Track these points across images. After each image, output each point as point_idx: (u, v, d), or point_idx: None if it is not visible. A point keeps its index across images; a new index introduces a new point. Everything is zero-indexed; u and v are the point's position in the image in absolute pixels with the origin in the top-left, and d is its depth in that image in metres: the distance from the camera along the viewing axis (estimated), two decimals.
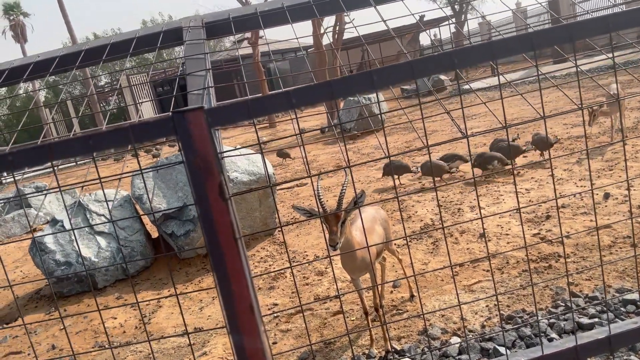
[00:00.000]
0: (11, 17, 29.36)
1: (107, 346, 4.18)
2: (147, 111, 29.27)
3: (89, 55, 2.76)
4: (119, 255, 5.38)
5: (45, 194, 9.91)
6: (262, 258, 5.41)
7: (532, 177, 6.17)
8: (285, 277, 4.81)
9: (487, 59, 1.79)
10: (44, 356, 4.24)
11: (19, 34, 29.49)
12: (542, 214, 4.89)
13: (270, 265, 5.17)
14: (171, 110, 1.78)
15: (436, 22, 29.22)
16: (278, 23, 2.85)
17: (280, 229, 6.05)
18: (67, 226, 5.46)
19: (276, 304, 4.28)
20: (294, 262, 5.07)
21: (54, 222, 5.56)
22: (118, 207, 5.72)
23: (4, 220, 9.22)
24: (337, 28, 16.45)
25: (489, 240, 4.58)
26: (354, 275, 3.12)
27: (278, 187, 8.63)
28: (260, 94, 23.12)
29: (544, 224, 4.67)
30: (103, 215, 5.62)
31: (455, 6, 26.93)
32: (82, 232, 5.44)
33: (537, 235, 4.45)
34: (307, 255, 5.23)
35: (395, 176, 7.08)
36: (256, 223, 5.76)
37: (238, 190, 5.39)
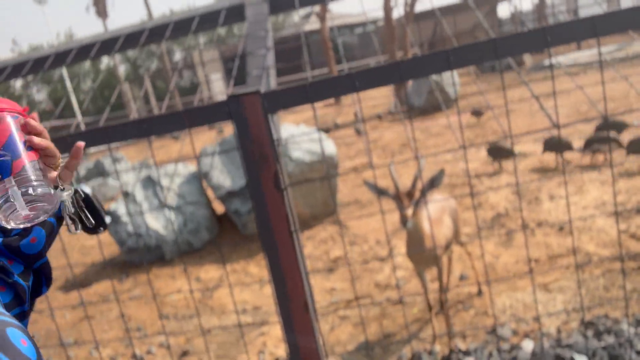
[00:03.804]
0: None
1: (170, 317, 4.32)
2: (218, 85, 29.99)
3: (153, 34, 2.72)
4: (186, 229, 5.52)
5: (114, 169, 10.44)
6: (322, 240, 5.33)
7: (620, 163, 5.58)
8: (345, 260, 4.70)
9: (587, 36, 1.51)
10: (114, 322, 4.47)
11: (101, 10, 31.02)
12: (632, 207, 4.40)
13: (330, 248, 5.08)
14: (227, 94, 1.68)
15: None
16: None
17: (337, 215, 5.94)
18: (139, 199, 5.67)
19: (334, 289, 4.20)
20: (354, 245, 4.95)
21: (126, 194, 5.80)
22: (185, 183, 5.85)
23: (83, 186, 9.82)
24: (409, 0, 15.76)
25: (569, 235, 4.19)
26: (419, 267, 2.95)
27: (341, 166, 8.50)
28: (326, 71, 22.91)
29: (633, 219, 4.20)
30: (172, 189, 5.78)
31: None
32: (152, 205, 5.63)
33: (625, 232, 4.01)
34: (368, 239, 5.08)
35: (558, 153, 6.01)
36: (317, 202, 5.68)
37: (300, 171, 5.31)
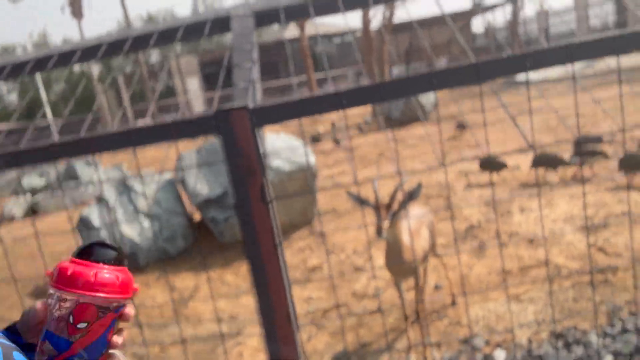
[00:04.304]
0: None
1: (142, 326, 4.25)
2: (194, 89, 29.74)
3: (138, 41, 2.72)
4: (162, 237, 5.46)
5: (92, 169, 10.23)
6: (299, 248, 5.35)
7: (590, 177, 5.79)
8: (322, 270, 4.73)
9: (564, 62, 1.60)
10: None
11: (77, 11, 30.46)
12: (600, 221, 4.58)
13: (307, 257, 5.11)
14: (214, 109, 1.69)
15: (490, 8, 28.00)
16: (329, 12, 2.72)
17: (319, 220, 5.98)
18: (113, 205, 5.58)
19: (312, 298, 4.22)
20: (331, 254, 4.99)
21: (99, 200, 5.70)
22: (162, 190, 5.79)
23: (55, 192, 9.60)
24: (387, 12, 16.02)
25: (540, 247, 4.33)
26: (397, 278, 3.00)
27: (319, 174, 8.55)
28: (304, 78, 22.99)
29: (601, 233, 4.37)
30: (147, 195, 5.72)
31: None
32: (126, 212, 5.55)
33: (593, 245, 4.17)
34: (345, 248, 5.13)
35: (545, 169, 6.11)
36: (295, 212, 5.70)
37: (279, 180, 5.33)
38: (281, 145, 5.58)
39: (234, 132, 1.67)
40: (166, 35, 2.60)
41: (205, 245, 5.75)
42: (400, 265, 2.82)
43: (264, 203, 1.73)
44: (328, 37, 33.34)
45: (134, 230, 5.38)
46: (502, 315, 3.47)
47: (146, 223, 5.47)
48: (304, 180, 5.60)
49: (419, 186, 2.58)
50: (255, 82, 2.14)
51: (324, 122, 16.40)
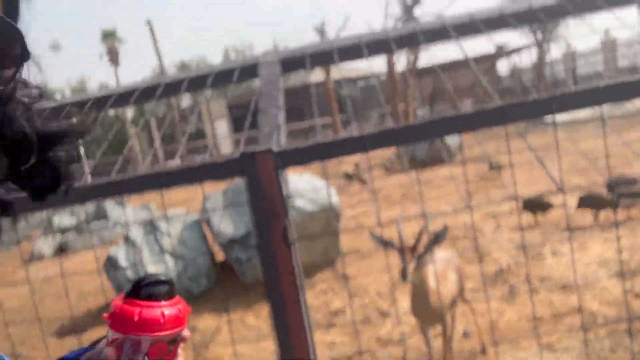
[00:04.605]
0: (108, 43, 31.99)
1: None
2: (222, 131, 30.50)
3: (170, 88, 2.83)
4: (186, 276, 5.48)
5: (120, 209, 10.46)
6: (322, 290, 5.28)
7: (626, 219, 5.60)
8: (345, 313, 4.64)
9: (590, 105, 1.58)
10: None
11: (114, 59, 32.04)
12: (635, 265, 4.39)
13: (330, 300, 5.02)
14: (240, 152, 1.73)
15: (514, 51, 28.17)
16: (353, 57, 2.79)
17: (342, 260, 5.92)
18: (138, 245, 5.66)
19: (334, 343, 4.12)
20: (354, 297, 4.89)
21: (126, 239, 5.79)
22: (187, 229, 5.86)
23: (84, 231, 9.81)
24: (411, 56, 16.31)
25: (573, 293, 4.16)
26: (424, 324, 2.91)
27: (342, 215, 8.52)
28: (329, 120, 23.32)
29: (636, 278, 4.18)
30: (173, 235, 5.78)
31: (537, 34, 25.91)
32: (152, 251, 5.61)
33: (629, 291, 3.98)
34: (369, 291, 5.03)
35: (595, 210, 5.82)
36: (317, 252, 5.66)
37: (301, 220, 5.33)
38: (304, 186, 5.62)
39: (258, 175, 1.70)
40: (197, 82, 2.71)
41: (228, 286, 5.73)
42: (426, 310, 2.74)
43: (286, 245, 1.74)
44: (353, 80, 34.00)
45: (159, 270, 5.42)
46: None
47: (171, 262, 5.51)
48: (327, 221, 5.59)
49: (445, 228, 2.54)
50: (280, 127, 2.19)
51: (348, 163, 16.50)
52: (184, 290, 5.47)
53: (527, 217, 6.33)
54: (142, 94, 2.77)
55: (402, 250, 2.54)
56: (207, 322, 4.99)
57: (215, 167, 1.71)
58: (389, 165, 13.73)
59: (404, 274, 2.50)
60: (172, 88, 2.71)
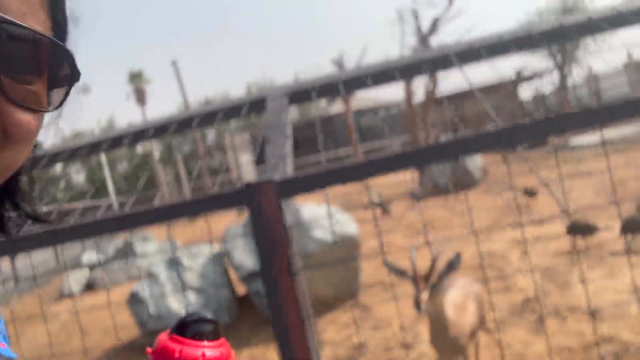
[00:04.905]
0: (134, 84, 33.25)
1: None
2: (247, 164, 30.98)
3: (180, 125, 2.92)
4: (207, 311, 5.47)
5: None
6: (344, 324, 5.18)
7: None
8: (367, 347, 4.53)
9: (590, 125, 1.56)
10: None
11: (140, 98, 33.21)
12: None
13: (352, 333, 4.93)
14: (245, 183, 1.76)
15: (536, 75, 28.01)
16: (358, 87, 2.83)
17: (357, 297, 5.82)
18: (162, 280, 5.71)
19: None
20: (377, 330, 4.78)
21: (149, 275, 5.86)
22: (208, 263, 5.89)
23: (111, 268, 9.96)
24: (430, 84, 16.38)
25: (603, 321, 3.98)
26: (444, 356, 2.82)
27: (363, 245, 8.44)
28: (351, 150, 23.44)
29: None
30: (194, 269, 5.82)
31: (557, 58, 25.75)
32: (175, 285, 5.65)
33: None
34: (392, 324, 4.92)
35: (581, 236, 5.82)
36: (339, 283, 5.59)
37: (322, 251, 5.31)
38: (323, 215, 5.62)
39: (260, 205, 1.71)
40: (208, 117, 2.78)
41: (250, 319, 5.69)
42: (445, 341, 2.66)
43: (290, 275, 1.73)
44: (374, 110, 34.20)
45: (180, 304, 5.44)
46: None
47: (193, 297, 5.52)
48: (347, 251, 5.54)
49: (458, 256, 2.49)
50: (286, 156, 2.22)
51: (374, 191, 16.42)
52: None
53: (563, 243, 6.05)
54: (157, 131, 2.86)
55: (415, 280, 2.49)
56: None
57: (220, 198, 1.74)
58: (419, 193, 13.23)
59: (417, 304, 2.45)
60: (183, 124, 2.79)
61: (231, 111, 2.76)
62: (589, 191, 8.91)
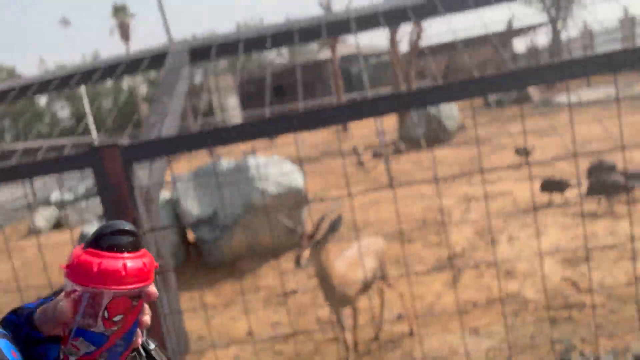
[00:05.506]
0: (119, 18, 32.14)
1: None
2: (233, 107, 30.63)
3: (86, 76, 2.92)
4: (152, 254, 5.67)
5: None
6: (283, 271, 5.41)
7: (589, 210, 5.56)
8: (296, 296, 4.77)
9: (557, 79, 1.61)
10: None
11: (125, 33, 32.21)
12: (582, 254, 4.40)
13: (289, 279, 5.16)
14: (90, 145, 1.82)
15: (530, 28, 27.42)
16: (262, 47, 2.82)
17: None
18: None
19: (278, 323, 4.26)
20: (312, 278, 5.01)
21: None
22: (161, 208, 6.02)
23: (79, 207, 10.11)
24: (414, 35, 16.03)
25: (514, 279, 4.21)
26: (333, 306, 3.02)
27: (313, 198, 8.60)
28: (335, 99, 23.19)
29: (580, 266, 4.20)
30: None
31: (551, 11, 25.12)
32: None
33: (567, 279, 4.01)
34: None
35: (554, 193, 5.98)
36: (282, 234, 5.77)
37: (267, 203, 5.44)
38: (272, 169, 5.71)
39: (104, 168, 1.78)
40: (109, 71, 2.79)
41: (195, 265, 5.91)
42: (331, 293, 2.84)
43: None
44: (365, 57, 33.38)
45: None
46: (455, 348, 3.40)
47: None
48: (293, 202, 5.68)
49: (339, 218, 2.61)
50: (166, 116, 2.27)
51: (350, 142, 16.45)
52: None
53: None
54: (61, 82, 2.87)
55: (300, 238, 2.62)
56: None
57: (67, 160, 1.81)
58: (380, 151, 12.92)
59: (297, 261, 2.58)
60: (86, 77, 2.80)
61: (132, 65, 2.77)
62: (555, 148, 9.04)
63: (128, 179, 1.81)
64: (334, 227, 2.60)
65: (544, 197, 6.14)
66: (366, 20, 2.79)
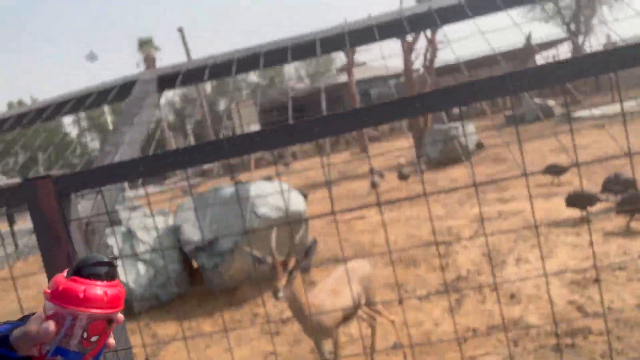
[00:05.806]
0: (144, 51, 33.24)
1: None
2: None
3: (58, 108, 2.94)
4: (155, 283, 5.64)
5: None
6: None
7: (604, 227, 5.28)
8: (294, 323, 4.63)
9: (546, 85, 1.51)
10: None
11: (150, 66, 33.23)
12: (591, 275, 4.14)
13: (286, 307, 5.02)
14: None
15: (552, 44, 27.02)
16: (225, 75, 2.78)
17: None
18: (116, 252, 5.88)
19: (273, 353, 4.13)
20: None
21: (105, 246, 6.02)
22: (163, 236, 6.03)
23: None
24: (429, 53, 15.97)
25: (519, 303, 3.98)
26: (311, 338, 2.88)
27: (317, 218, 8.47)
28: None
29: (588, 289, 3.94)
30: (148, 242, 5.96)
31: (571, 26, 24.75)
32: (126, 258, 5.81)
33: (573, 302, 3.76)
34: None
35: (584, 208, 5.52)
36: (251, 267, 5.66)
37: (266, 227, 5.37)
38: (270, 192, 5.65)
39: (38, 201, 1.74)
40: (78, 104, 2.80)
41: (199, 293, 5.84)
42: (306, 324, 2.71)
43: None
44: (384, 79, 33.41)
45: (130, 277, 5.61)
46: None
47: (142, 269, 5.68)
48: (293, 226, 5.59)
49: (314, 242, 2.51)
50: (120, 145, 2.23)
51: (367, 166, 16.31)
52: (153, 297, 5.63)
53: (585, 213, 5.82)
54: (37, 113, 2.90)
55: (273, 267, 2.52)
56: (167, 329, 5.12)
57: (1, 194, 1.77)
58: (404, 172, 12.06)
59: (275, 292, 2.47)
60: (58, 110, 2.81)
61: (101, 95, 2.77)
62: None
63: (61, 212, 1.76)
64: (309, 252, 2.50)
65: (571, 212, 5.76)
66: (360, 34, 2.67)
